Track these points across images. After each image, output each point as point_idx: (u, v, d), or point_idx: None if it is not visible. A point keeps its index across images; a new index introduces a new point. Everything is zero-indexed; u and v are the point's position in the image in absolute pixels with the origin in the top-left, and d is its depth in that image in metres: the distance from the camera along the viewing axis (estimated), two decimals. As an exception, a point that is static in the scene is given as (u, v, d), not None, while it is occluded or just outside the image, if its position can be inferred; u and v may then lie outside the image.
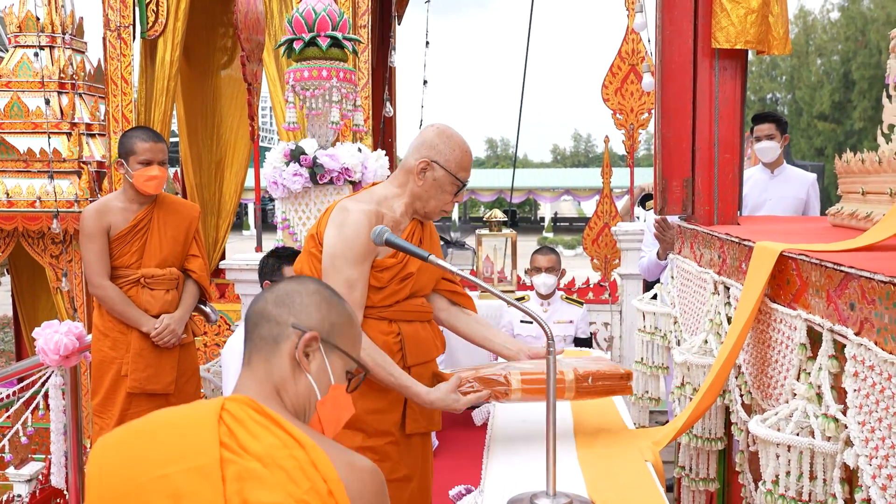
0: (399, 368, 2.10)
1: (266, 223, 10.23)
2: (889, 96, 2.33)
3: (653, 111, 5.08)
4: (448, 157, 2.13)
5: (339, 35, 3.18)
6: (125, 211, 3.30)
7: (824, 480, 1.39)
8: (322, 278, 2.09)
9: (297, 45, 3.24)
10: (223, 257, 5.87)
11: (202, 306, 3.61)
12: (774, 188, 4.18)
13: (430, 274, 2.25)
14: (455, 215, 37.26)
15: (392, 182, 2.21)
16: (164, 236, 3.34)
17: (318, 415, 1.35)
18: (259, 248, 3.94)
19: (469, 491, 2.03)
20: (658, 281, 4.02)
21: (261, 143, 4.50)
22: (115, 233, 3.27)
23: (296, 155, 3.26)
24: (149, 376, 3.26)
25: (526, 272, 4.55)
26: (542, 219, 39.54)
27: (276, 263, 3.05)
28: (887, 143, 2.27)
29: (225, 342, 4.51)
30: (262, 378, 1.29)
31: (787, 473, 1.43)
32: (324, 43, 3.18)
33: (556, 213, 40.87)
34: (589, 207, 40.75)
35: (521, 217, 37.86)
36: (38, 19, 5.60)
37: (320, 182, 3.29)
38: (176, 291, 3.37)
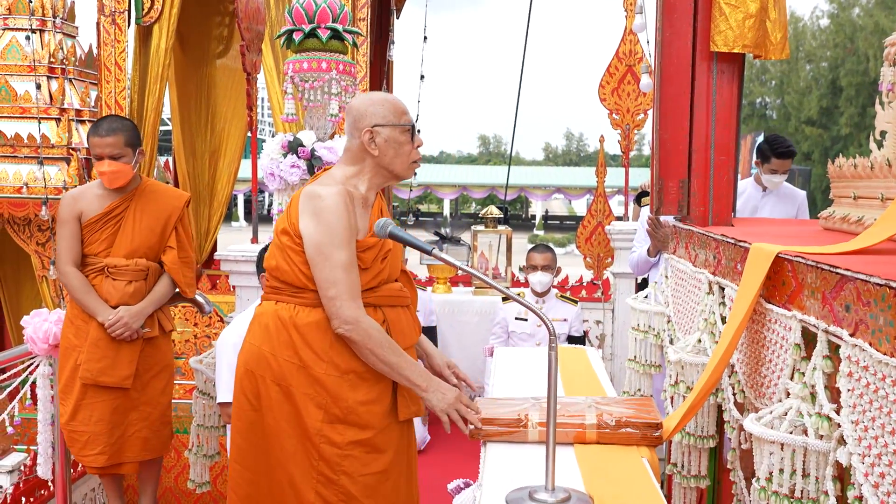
0: (403, 353, 2.14)
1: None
2: (881, 103, 2.37)
3: (649, 112, 5.13)
4: (382, 114, 2.16)
5: (339, 27, 3.19)
6: (101, 198, 3.24)
7: (817, 478, 1.42)
8: (312, 271, 2.09)
9: (296, 37, 3.24)
10: (215, 248, 5.86)
11: (195, 297, 3.59)
12: (766, 205, 4.21)
13: (397, 253, 2.28)
14: (447, 210, 37.33)
15: (344, 164, 2.23)
16: (137, 226, 3.26)
17: None
18: (255, 239, 3.94)
19: (468, 485, 2.05)
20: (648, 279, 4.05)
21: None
22: (85, 219, 3.21)
23: (294, 147, 3.26)
24: (102, 368, 3.19)
25: (521, 269, 4.58)
26: (533, 216, 39.66)
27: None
28: (879, 149, 2.30)
29: (217, 334, 4.51)
30: None
31: (781, 471, 1.45)
32: (324, 35, 3.18)
33: (546, 211, 40.97)
34: (580, 206, 40.89)
35: (512, 214, 37.96)
36: (29, 2, 5.54)
37: (317, 174, 3.29)
38: (142, 283, 3.28)
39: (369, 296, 2.16)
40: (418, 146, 2.23)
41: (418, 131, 2.23)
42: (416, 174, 2.53)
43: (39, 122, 5.29)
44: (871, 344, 1.30)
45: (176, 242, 3.32)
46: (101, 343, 3.18)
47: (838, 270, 1.43)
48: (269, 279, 2.24)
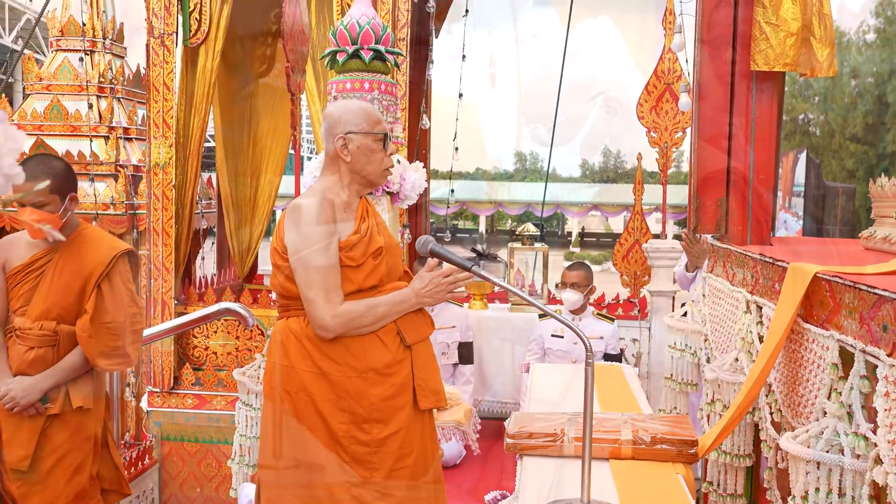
0: (380, 298, 2.19)
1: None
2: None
3: (687, 130, 5.12)
4: (356, 122, 2.25)
5: (381, 48, 3.26)
6: (30, 247, 2.80)
7: (853, 497, 1.42)
8: (295, 278, 2.17)
9: (340, 58, 3.32)
10: (256, 263, 5.98)
11: (238, 309, 3.67)
12: None
13: (394, 251, 2.34)
14: (482, 227, 37.35)
15: (324, 175, 2.32)
16: (54, 283, 2.77)
17: None
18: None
19: (504, 496, 2.07)
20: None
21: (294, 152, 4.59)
22: (9, 269, 2.79)
23: (335, 164, 3.33)
24: (1, 442, 2.71)
25: (556, 286, 4.59)
26: (570, 233, 39.43)
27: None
28: (923, 169, 2.29)
29: (258, 348, 4.60)
30: None
31: (817, 489, 1.46)
32: (367, 56, 3.26)
33: (583, 228, 40.73)
34: (616, 223, 40.53)
35: (548, 231, 37.75)
36: (82, 25, 5.76)
37: (357, 191, 3.35)
38: (48, 350, 2.76)
39: (373, 295, 2.22)
40: (390, 154, 2.31)
41: (390, 139, 2.30)
42: (452, 191, 2.58)
43: (91, 141, 5.47)
44: (908, 364, 1.30)
45: (93, 306, 2.75)
46: (1, 413, 2.71)
47: (876, 290, 1.43)
48: (277, 299, 2.33)
